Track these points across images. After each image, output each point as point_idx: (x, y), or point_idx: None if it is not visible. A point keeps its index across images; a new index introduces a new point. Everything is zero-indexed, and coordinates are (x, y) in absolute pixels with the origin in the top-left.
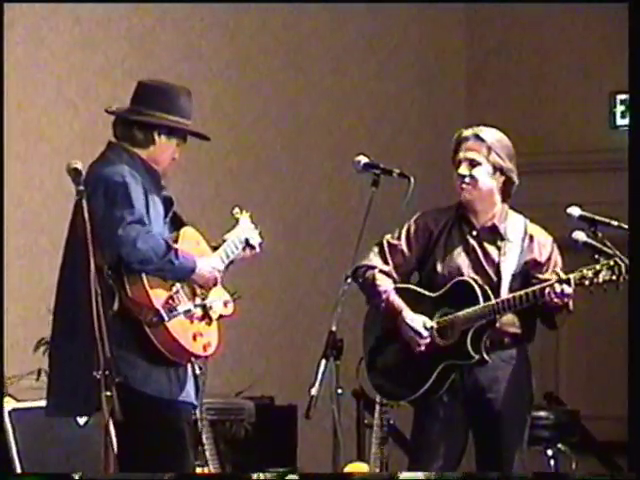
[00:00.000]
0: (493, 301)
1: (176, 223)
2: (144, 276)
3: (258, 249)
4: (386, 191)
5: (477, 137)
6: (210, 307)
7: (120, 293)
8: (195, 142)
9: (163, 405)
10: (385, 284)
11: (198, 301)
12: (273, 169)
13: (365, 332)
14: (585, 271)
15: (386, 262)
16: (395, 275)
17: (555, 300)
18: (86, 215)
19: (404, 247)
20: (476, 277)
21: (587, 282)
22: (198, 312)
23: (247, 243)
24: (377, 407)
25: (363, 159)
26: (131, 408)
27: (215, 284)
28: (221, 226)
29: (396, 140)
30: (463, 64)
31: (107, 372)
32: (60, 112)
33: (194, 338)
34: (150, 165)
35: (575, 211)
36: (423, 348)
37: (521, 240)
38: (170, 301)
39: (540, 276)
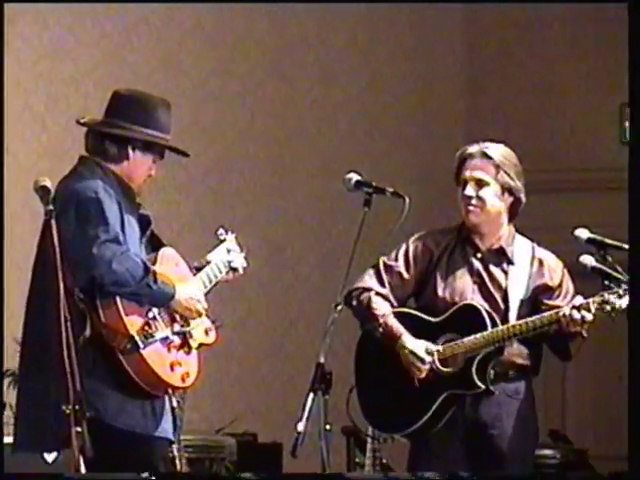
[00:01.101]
0: (503, 327)
1: (154, 244)
2: (119, 300)
3: (242, 272)
4: (379, 211)
5: (484, 155)
6: (190, 335)
7: (92, 318)
8: (173, 158)
9: (136, 440)
10: (382, 307)
11: (177, 328)
12: (257, 187)
13: (357, 359)
14: (607, 295)
15: (383, 285)
16: (392, 299)
17: (571, 328)
18: (55, 236)
19: (402, 269)
20: (482, 302)
21: (609, 307)
22: (176, 340)
23: (231, 267)
24: (369, 443)
25: (354, 177)
26: (102, 444)
27: (197, 314)
28: (201, 248)
29: (390, 156)
30: (463, 73)
31: (77, 406)
32: (27, 125)
33: (171, 368)
34: (124, 181)
35: (583, 233)
36: (424, 375)
37: (529, 264)
38: (146, 327)
39: (550, 302)
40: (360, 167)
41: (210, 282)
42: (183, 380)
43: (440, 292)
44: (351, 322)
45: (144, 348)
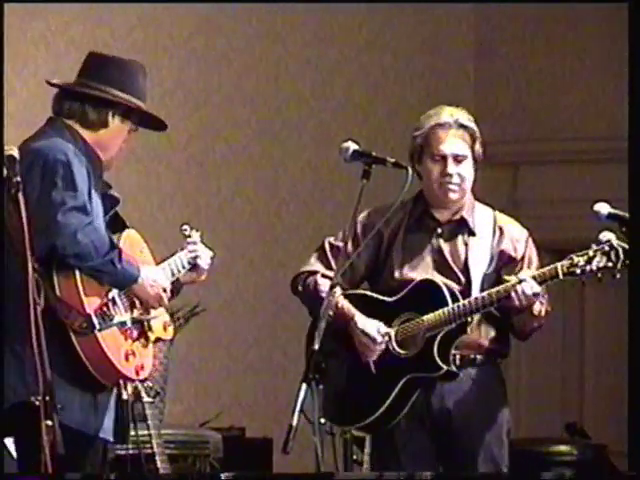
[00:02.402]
0: (464, 301)
1: (117, 226)
2: (78, 274)
3: (204, 276)
4: (379, 184)
5: (460, 125)
6: (149, 326)
7: (46, 290)
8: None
9: (81, 441)
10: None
11: (137, 315)
12: (245, 156)
13: (308, 349)
14: (576, 258)
15: (329, 267)
16: (340, 281)
17: (522, 302)
18: (23, 210)
19: (350, 250)
20: (442, 278)
21: (578, 270)
22: (134, 329)
23: (193, 264)
24: (367, 439)
25: (352, 146)
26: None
27: (159, 304)
28: (183, 222)
29: (392, 122)
30: (472, 32)
31: (47, 397)
32: None
33: (126, 357)
34: (95, 152)
35: (603, 208)
36: (375, 357)
37: (491, 234)
38: (105, 308)
39: (507, 277)
40: (358, 135)
41: (172, 275)
42: (137, 372)
43: (397, 274)
44: None
45: (100, 330)
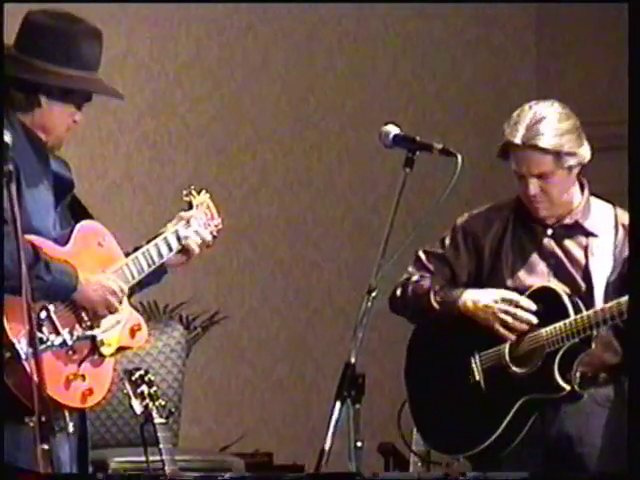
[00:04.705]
0: (589, 312)
1: (77, 213)
2: None
3: (197, 251)
4: (425, 173)
5: (535, 147)
6: (100, 341)
7: None
8: (173, 102)
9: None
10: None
11: (80, 331)
12: (273, 141)
13: (409, 365)
14: None
15: (427, 270)
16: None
17: None
18: (15, 205)
19: (449, 256)
20: (562, 286)
21: None
22: (80, 346)
23: (182, 245)
24: (411, 465)
25: (393, 130)
26: None
27: (110, 310)
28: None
29: (440, 102)
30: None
31: (44, 417)
32: None
33: (67, 384)
34: (35, 135)
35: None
36: (521, 328)
37: (613, 232)
38: (36, 330)
39: None
40: (402, 118)
41: (140, 271)
42: (83, 399)
43: (510, 281)
44: (389, 312)
45: (27, 358)
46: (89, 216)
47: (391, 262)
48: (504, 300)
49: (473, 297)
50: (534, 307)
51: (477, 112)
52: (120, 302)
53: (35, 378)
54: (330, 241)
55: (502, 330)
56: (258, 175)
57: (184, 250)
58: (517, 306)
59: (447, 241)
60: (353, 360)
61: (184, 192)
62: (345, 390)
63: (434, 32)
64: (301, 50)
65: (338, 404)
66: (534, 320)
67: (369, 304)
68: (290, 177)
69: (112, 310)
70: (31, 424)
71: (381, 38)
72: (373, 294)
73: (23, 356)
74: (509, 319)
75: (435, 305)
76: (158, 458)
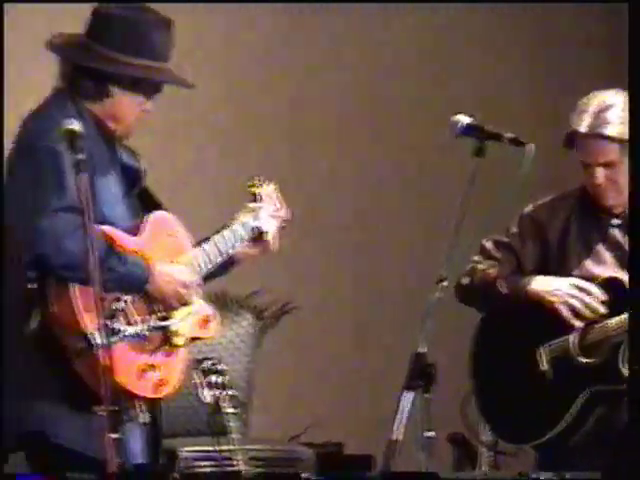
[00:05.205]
0: None
1: (147, 203)
2: (72, 287)
3: (270, 243)
4: (495, 162)
5: (602, 137)
6: (173, 331)
7: (41, 306)
8: (237, 91)
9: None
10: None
11: (153, 321)
12: (341, 130)
13: (474, 354)
14: None
15: (491, 258)
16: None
17: None
18: (88, 192)
19: (516, 245)
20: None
21: None
22: (153, 337)
23: (257, 234)
24: (483, 456)
25: (463, 119)
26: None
27: (181, 302)
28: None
29: (510, 90)
30: None
31: (115, 407)
32: None
33: (140, 374)
34: (105, 125)
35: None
36: (586, 313)
37: None
38: (109, 321)
39: None
40: (471, 107)
41: (209, 262)
42: (156, 389)
43: (576, 272)
44: (459, 304)
45: (102, 349)
46: (159, 206)
47: (461, 252)
48: (574, 286)
49: (542, 283)
50: (604, 296)
51: (545, 102)
52: (192, 293)
53: (105, 368)
54: (400, 230)
55: (570, 316)
56: (329, 166)
57: (258, 241)
58: (587, 294)
59: (513, 230)
60: (423, 350)
61: (249, 183)
62: (415, 380)
63: (503, 20)
64: (372, 40)
65: (408, 394)
66: (603, 309)
67: (439, 294)
68: (358, 166)
69: (184, 302)
70: (101, 413)
71: (449, 25)
72: (443, 283)
73: (95, 346)
74: (578, 304)
75: (504, 292)
76: (228, 448)
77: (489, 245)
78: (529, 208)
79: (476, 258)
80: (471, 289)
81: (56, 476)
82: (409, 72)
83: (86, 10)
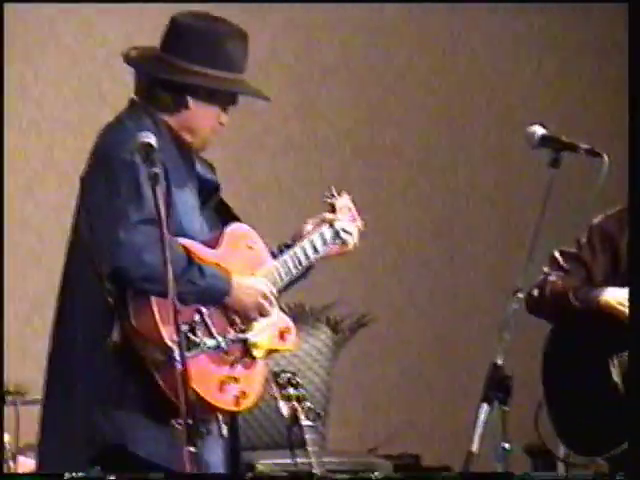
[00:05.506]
0: None
1: (223, 216)
2: (154, 299)
3: (351, 247)
4: (572, 174)
5: None
6: (252, 343)
7: (122, 319)
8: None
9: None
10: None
11: (233, 334)
12: (419, 143)
13: (546, 365)
14: None
15: (562, 270)
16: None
17: None
18: (161, 205)
19: (586, 257)
20: None
21: None
22: (233, 349)
23: (339, 237)
24: (560, 468)
25: (539, 130)
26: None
27: (262, 314)
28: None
29: (586, 101)
30: None
31: (191, 420)
32: (54, 63)
33: (221, 387)
34: (181, 137)
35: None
36: None
37: None
38: (189, 333)
39: None
40: (548, 117)
41: (288, 273)
42: (237, 402)
43: None
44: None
45: (184, 361)
46: (236, 218)
47: (537, 263)
48: None
49: (615, 294)
50: None
51: (623, 113)
52: (271, 305)
53: (184, 381)
54: (476, 242)
55: None
56: (404, 177)
57: (339, 240)
58: None
59: (583, 241)
60: (500, 361)
61: (325, 194)
62: (492, 391)
63: (580, 33)
64: (445, 53)
65: (485, 405)
66: None
67: (516, 305)
68: (436, 179)
69: (264, 313)
70: (179, 426)
71: (525, 38)
72: (519, 295)
73: (179, 358)
74: None
75: (575, 303)
76: (305, 460)
77: (558, 256)
78: (599, 219)
79: (546, 270)
80: (541, 300)
81: None
82: (486, 84)
83: (229, 13)
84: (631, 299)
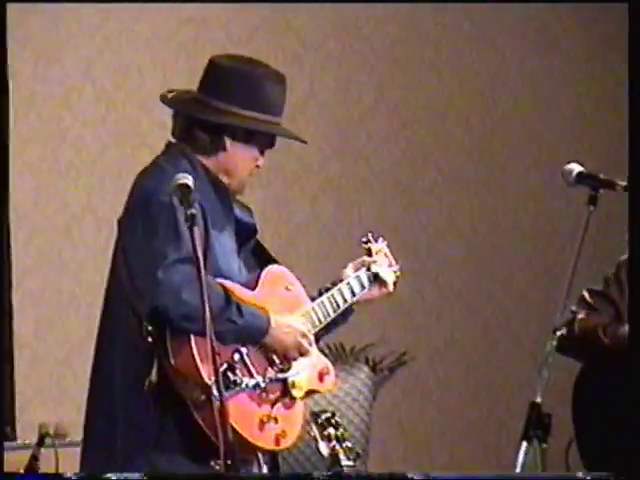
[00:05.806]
0: None
1: (260, 258)
2: (193, 338)
3: (391, 289)
4: (610, 211)
5: None
6: (292, 383)
7: (160, 359)
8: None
9: None
10: (595, 319)
11: (272, 373)
12: (459, 182)
13: (576, 403)
14: None
15: (590, 308)
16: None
17: None
18: (198, 245)
19: (614, 294)
20: None
21: None
22: (272, 389)
23: (377, 278)
24: None
25: (576, 168)
26: None
27: (301, 353)
28: (340, 259)
29: (623, 139)
30: None
31: (229, 461)
32: (88, 103)
33: (261, 426)
34: (218, 179)
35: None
36: None
37: None
38: (229, 373)
39: None
40: (585, 156)
41: (327, 315)
42: (277, 442)
43: None
44: None
45: (223, 400)
46: (274, 261)
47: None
48: None
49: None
50: None
51: None
52: (310, 344)
53: (223, 420)
54: (517, 281)
55: None
56: (444, 217)
57: (377, 281)
58: None
59: (611, 279)
60: (539, 400)
61: (363, 239)
62: (532, 430)
63: (619, 67)
64: (484, 91)
65: (525, 444)
66: None
67: (554, 343)
68: (476, 218)
69: (304, 352)
70: (217, 467)
71: (563, 74)
72: (558, 333)
73: (218, 397)
74: None
75: (604, 340)
76: None
77: (586, 295)
78: (626, 255)
79: (573, 308)
80: (570, 339)
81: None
82: (525, 122)
83: (268, 54)
84: (631, 297)
